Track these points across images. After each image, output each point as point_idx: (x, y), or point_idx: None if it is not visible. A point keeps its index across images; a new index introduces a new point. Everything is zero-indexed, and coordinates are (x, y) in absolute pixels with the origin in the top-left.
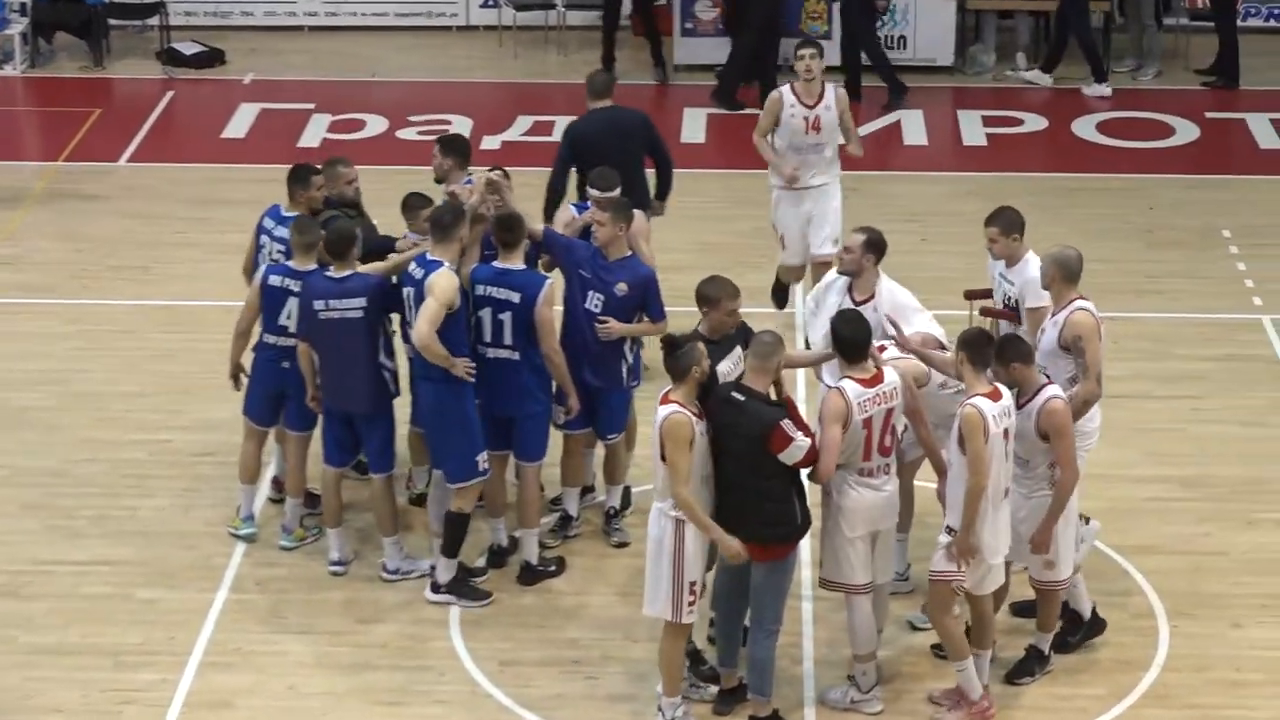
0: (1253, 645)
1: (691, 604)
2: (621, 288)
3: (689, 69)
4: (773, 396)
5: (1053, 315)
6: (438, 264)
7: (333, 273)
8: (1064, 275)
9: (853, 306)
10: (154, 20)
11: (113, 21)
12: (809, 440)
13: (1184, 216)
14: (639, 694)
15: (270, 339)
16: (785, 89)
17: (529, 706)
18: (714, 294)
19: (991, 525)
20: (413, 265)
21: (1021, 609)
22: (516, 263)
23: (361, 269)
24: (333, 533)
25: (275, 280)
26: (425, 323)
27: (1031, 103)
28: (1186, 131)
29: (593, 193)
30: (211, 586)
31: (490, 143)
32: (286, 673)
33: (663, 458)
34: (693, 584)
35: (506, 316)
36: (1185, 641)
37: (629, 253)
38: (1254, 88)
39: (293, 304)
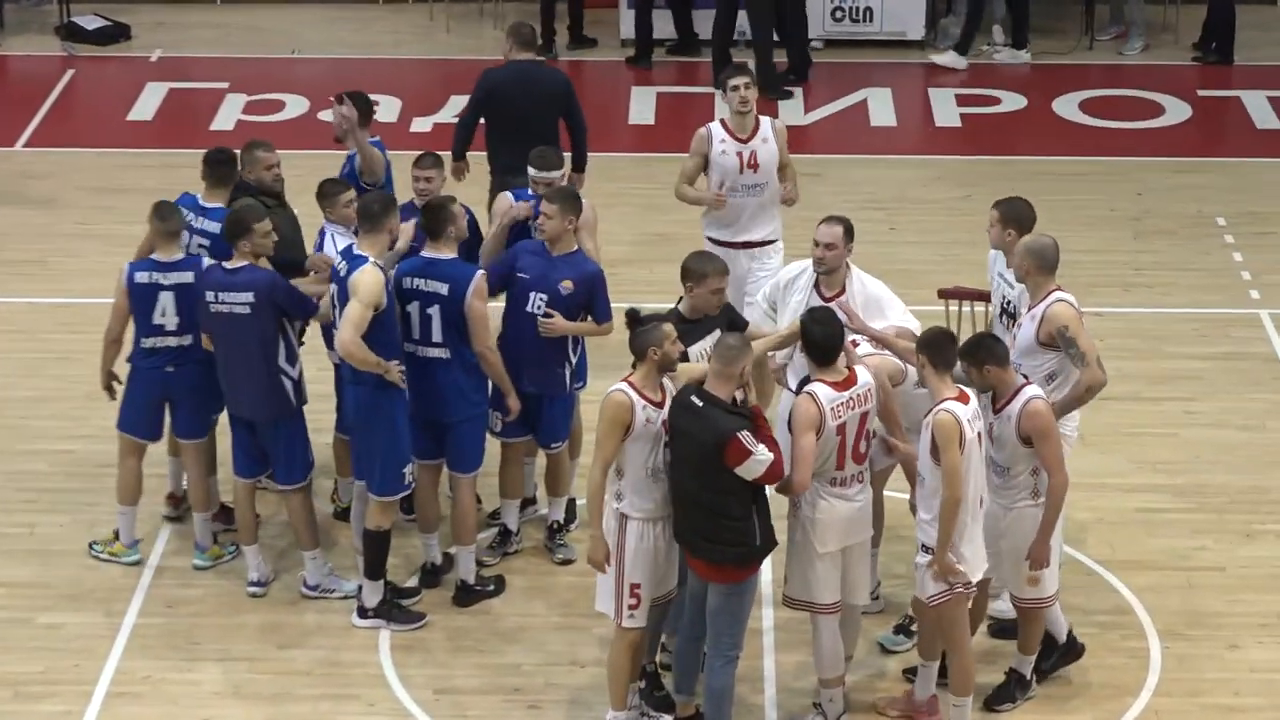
0: (1251, 668)
1: (632, 608)
2: (567, 285)
3: (635, 43)
4: (745, 403)
5: (1030, 309)
6: (362, 259)
7: (227, 264)
8: (1041, 265)
9: (822, 304)
10: None
11: None
12: (771, 455)
13: (1175, 203)
14: None
15: (148, 342)
16: (713, 125)
17: None
18: (701, 268)
19: (970, 539)
20: (338, 260)
21: (1001, 630)
22: (445, 252)
23: (303, 280)
24: (249, 550)
25: (141, 277)
26: (349, 327)
27: (1009, 80)
28: (1177, 110)
29: (533, 173)
30: (119, 610)
31: (421, 124)
32: (201, 703)
33: None
34: (634, 586)
35: (435, 310)
36: (1178, 664)
37: (575, 248)
38: (1250, 63)
39: (166, 300)
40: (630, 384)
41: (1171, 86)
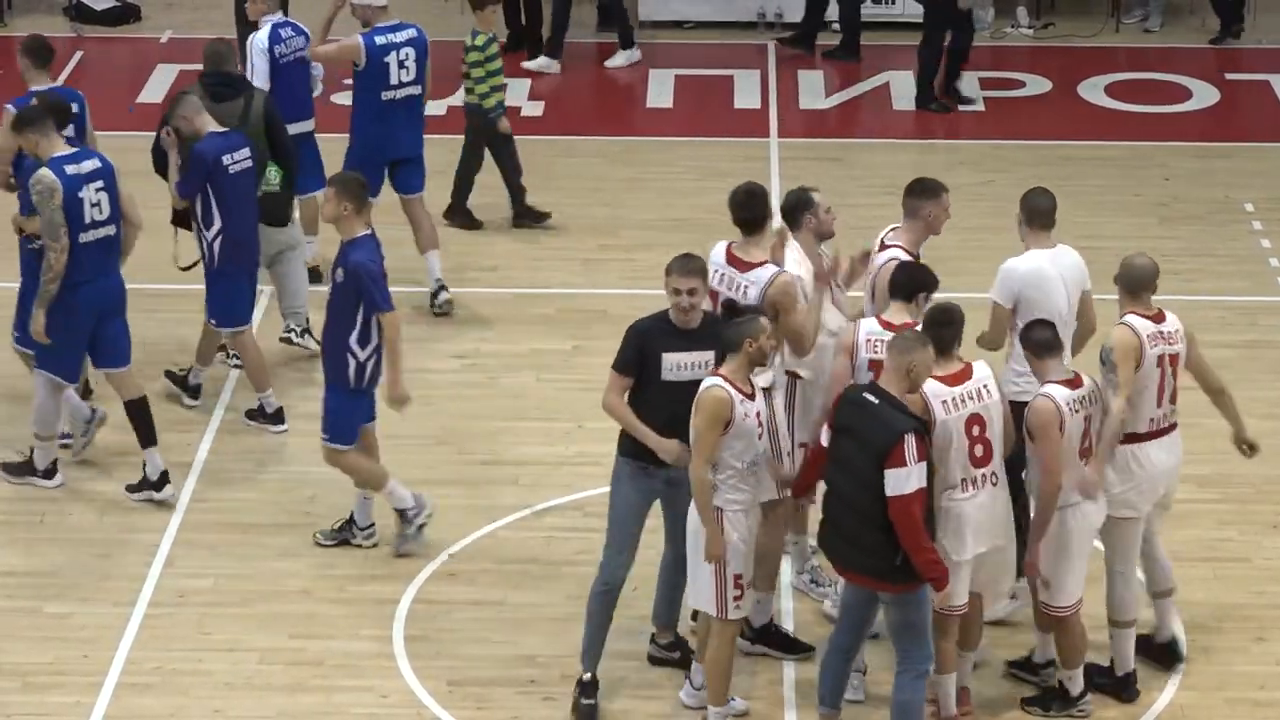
0: (1279, 661)
1: (737, 599)
2: (339, 274)
3: (654, 25)
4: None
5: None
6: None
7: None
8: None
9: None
10: None
11: None
12: (923, 481)
13: (1202, 188)
14: (603, 714)
15: None
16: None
17: None
18: (668, 266)
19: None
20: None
21: (1017, 666)
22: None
23: None
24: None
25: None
26: None
27: (1033, 63)
28: (1204, 94)
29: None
30: (128, 599)
31: (435, 108)
32: (211, 694)
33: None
34: (737, 577)
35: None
36: (1203, 657)
37: (358, 233)
38: (1278, 46)
39: None
40: (724, 378)
41: (1198, 70)
